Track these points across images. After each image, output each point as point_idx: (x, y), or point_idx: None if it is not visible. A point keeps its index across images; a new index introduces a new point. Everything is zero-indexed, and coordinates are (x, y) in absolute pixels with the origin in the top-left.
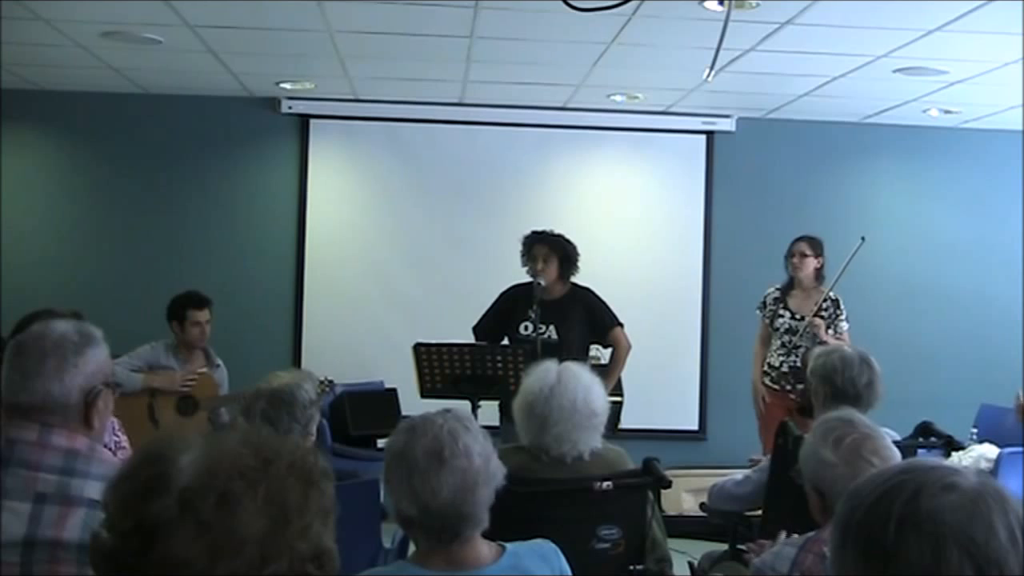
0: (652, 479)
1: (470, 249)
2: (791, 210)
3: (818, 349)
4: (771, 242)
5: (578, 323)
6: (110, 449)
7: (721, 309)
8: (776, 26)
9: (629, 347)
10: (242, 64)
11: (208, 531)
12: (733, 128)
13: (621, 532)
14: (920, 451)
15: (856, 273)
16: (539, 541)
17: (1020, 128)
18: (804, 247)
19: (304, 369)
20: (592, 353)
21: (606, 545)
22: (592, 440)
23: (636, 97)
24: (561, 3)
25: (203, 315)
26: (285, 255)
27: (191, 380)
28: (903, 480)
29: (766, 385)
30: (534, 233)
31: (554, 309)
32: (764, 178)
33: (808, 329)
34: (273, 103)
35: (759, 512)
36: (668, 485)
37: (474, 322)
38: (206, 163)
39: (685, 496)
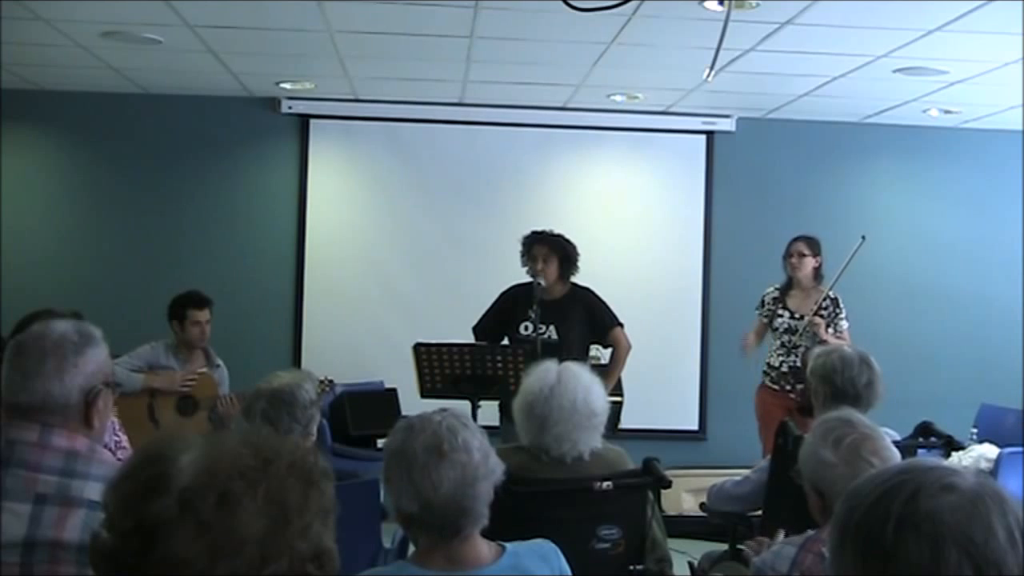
0: (652, 479)
1: (470, 249)
2: (791, 210)
3: (818, 349)
4: (771, 242)
5: (578, 323)
6: (110, 449)
7: (721, 309)
8: (776, 26)
9: (629, 347)
10: (242, 64)
11: (208, 531)
12: (733, 128)
13: (621, 532)
14: (920, 451)
15: (856, 273)
16: (539, 541)
17: (1020, 128)
18: (802, 247)
19: (304, 369)
20: (592, 353)
21: (606, 545)
22: (592, 440)
23: (636, 97)
24: (561, 3)
25: (203, 315)
26: (285, 255)
27: (191, 380)
28: (902, 480)
29: (766, 385)
30: (534, 233)
31: (554, 309)
32: (764, 178)
33: (808, 328)
34: (273, 103)
35: (759, 512)
36: (668, 485)
37: (474, 322)
38: (206, 163)
39: (685, 496)
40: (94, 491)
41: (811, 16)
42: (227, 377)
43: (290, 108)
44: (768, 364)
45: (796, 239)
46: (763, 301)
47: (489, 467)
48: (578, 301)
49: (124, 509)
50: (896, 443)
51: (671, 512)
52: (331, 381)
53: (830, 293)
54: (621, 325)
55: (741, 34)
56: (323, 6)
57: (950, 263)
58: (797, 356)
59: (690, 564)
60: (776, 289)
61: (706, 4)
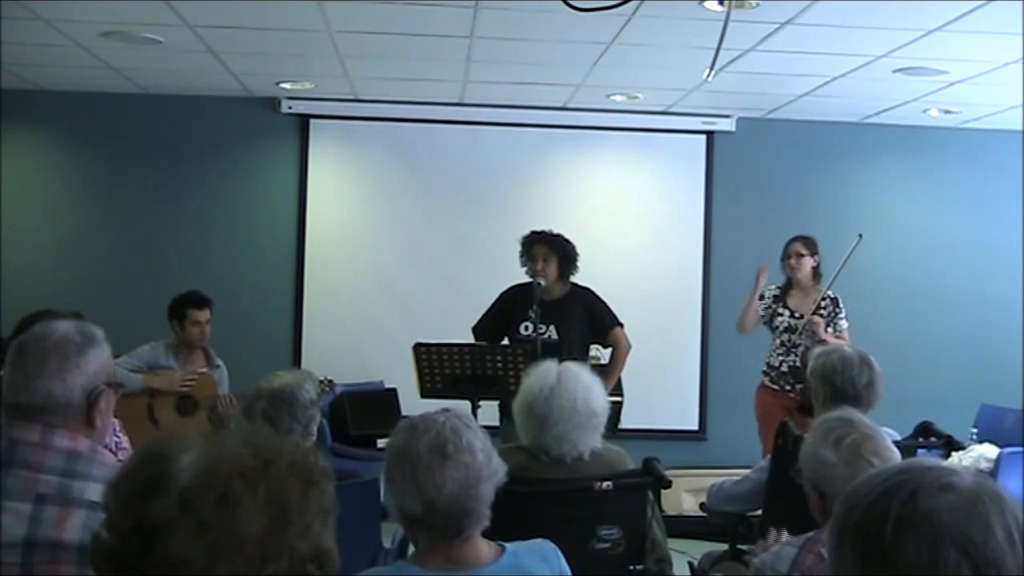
0: (652, 479)
1: (470, 249)
2: (791, 210)
3: (818, 349)
4: (771, 242)
5: (578, 323)
6: (110, 449)
7: (721, 309)
8: (776, 26)
9: (629, 347)
10: (242, 64)
11: (208, 531)
12: (733, 128)
13: (621, 532)
14: (920, 451)
15: (856, 273)
16: (539, 541)
17: (1020, 128)
18: (800, 247)
19: (304, 369)
20: (592, 353)
21: (606, 545)
22: (592, 440)
23: (636, 97)
24: (561, 3)
25: (203, 315)
26: (285, 255)
27: (191, 380)
28: (900, 480)
29: (766, 385)
30: (533, 233)
31: (554, 309)
32: (764, 178)
33: (807, 328)
34: (273, 103)
35: (759, 512)
36: (668, 485)
37: (474, 322)
38: (206, 163)
39: (685, 496)
40: (95, 492)
41: (811, 16)
42: (227, 377)
43: (290, 108)
44: (768, 364)
45: (793, 240)
46: (763, 294)
47: (492, 468)
48: (578, 301)
49: (124, 509)
50: (896, 443)
51: (671, 512)
52: (331, 381)
53: (830, 293)
54: (621, 325)
55: (741, 34)
56: (323, 6)
57: (950, 263)
58: (797, 355)
59: (690, 564)
60: (777, 288)
61: (706, 4)
